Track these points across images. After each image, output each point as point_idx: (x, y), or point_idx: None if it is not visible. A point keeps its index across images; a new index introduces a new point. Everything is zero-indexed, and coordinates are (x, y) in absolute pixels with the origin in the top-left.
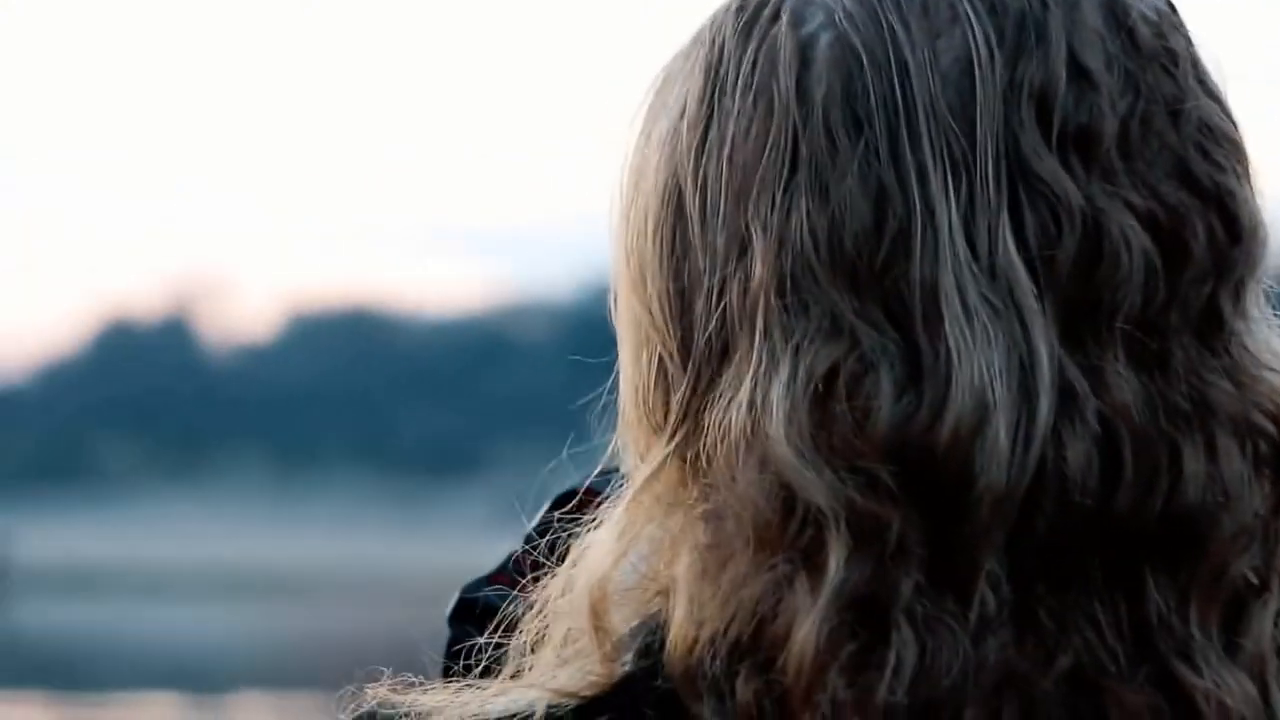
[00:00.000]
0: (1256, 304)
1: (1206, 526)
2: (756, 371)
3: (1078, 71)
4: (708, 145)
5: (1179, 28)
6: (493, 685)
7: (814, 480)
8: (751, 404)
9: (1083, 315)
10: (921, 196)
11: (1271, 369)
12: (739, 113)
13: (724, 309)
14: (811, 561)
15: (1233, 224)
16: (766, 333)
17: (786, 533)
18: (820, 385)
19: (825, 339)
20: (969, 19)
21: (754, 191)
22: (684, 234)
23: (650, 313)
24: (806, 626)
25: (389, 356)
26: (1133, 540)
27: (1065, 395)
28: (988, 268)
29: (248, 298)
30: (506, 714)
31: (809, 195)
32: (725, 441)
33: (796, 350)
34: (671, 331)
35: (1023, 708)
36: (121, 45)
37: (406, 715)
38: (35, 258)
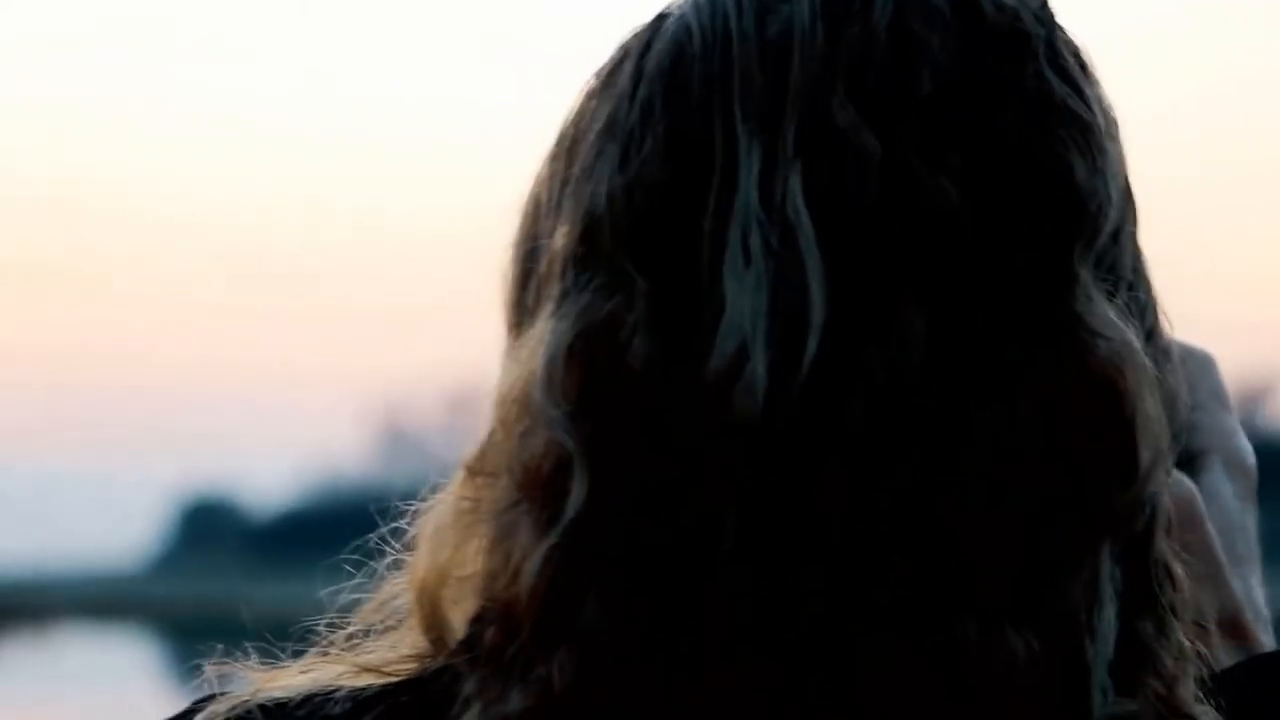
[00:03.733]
0: (1094, 276)
1: (994, 487)
2: (539, 332)
3: (901, 40)
4: (559, 148)
5: (1039, 15)
6: (300, 662)
7: (560, 419)
8: (525, 362)
9: (879, 268)
10: (724, 154)
11: (1104, 337)
12: (590, 112)
13: (536, 289)
14: (554, 501)
15: (1065, 196)
16: (558, 297)
17: (537, 476)
18: (587, 334)
19: (604, 293)
20: None
21: (576, 174)
22: (529, 238)
23: (506, 328)
24: (533, 560)
25: None
26: (919, 490)
27: (847, 341)
28: (778, 218)
29: None
30: (307, 692)
31: (614, 160)
32: (504, 402)
33: (575, 306)
34: (510, 330)
35: (763, 647)
36: None
37: (225, 693)
38: None
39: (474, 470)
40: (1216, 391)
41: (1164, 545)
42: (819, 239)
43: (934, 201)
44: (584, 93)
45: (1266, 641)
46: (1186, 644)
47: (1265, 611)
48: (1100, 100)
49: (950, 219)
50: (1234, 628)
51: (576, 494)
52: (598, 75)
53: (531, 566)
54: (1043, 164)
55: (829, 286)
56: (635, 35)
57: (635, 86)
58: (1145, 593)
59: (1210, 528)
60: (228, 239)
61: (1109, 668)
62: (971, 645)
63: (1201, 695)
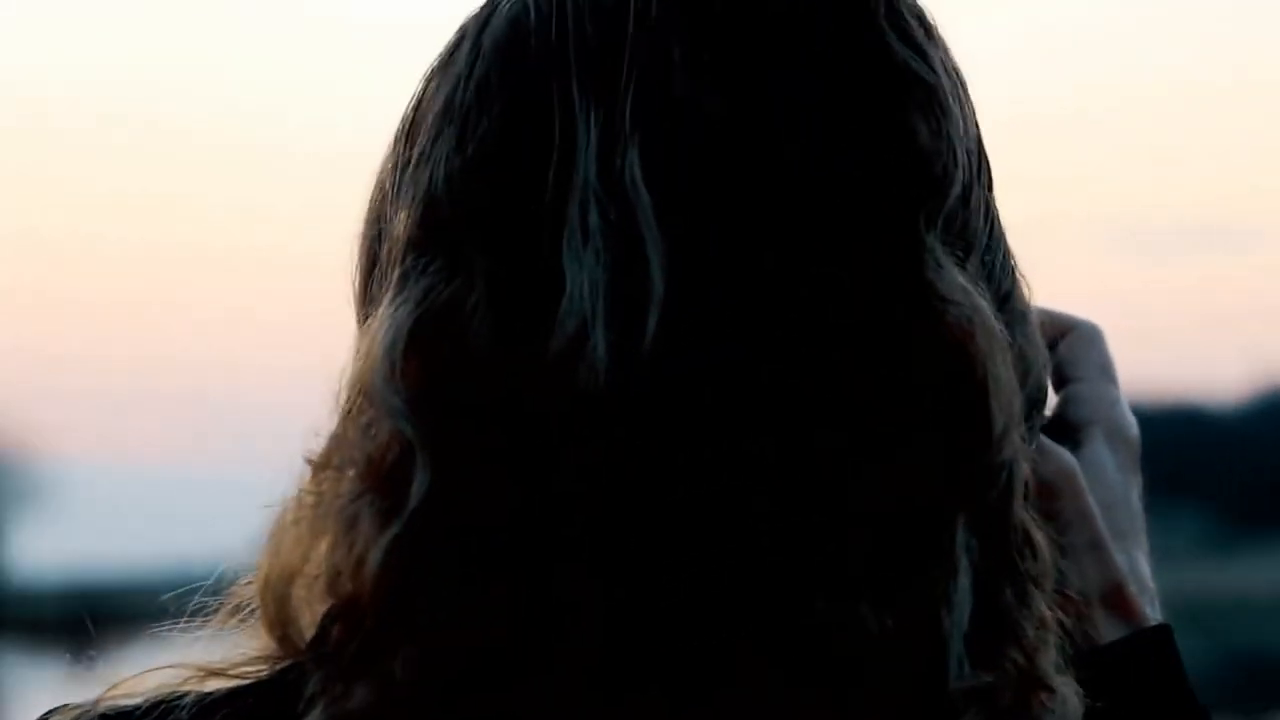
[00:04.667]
0: (942, 240)
1: (846, 459)
2: (380, 319)
3: (738, 4)
4: (399, 133)
5: None
6: (145, 667)
7: (400, 408)
8: (366, 351)
9: (721, 240)
10: (562, 129)
11: (954, 302)
12: (430, 95)
13: (380, 278)
14: (397, 492)
15: (908, 160)
16: (397, 282)
17: (380, 467)
18: (427, 319)
19: (444, 276)
20: None
21: (414, 158)
22: (373, 226)
23: (355, 320)
24: (375, 553)
25: None
26: (769, 466)
27: (690, 315)
28: (616, 193)
29: None
30: (152, 699)
31: (451, 142)
32: (347, 393)
33: (415, 290)
34: (359, 321)
35: (607, 640)
36: None
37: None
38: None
39: (319, 465)
40: (1102, 363)
41: (1023, 513)
42: (657, 212)
43: (775, 171)
44: (424, 76)
45: (1151, 615)
46: (1048, 614)
47: (1151, 585)
48: (944, 61)
49: (792, 188)
50: (1117, 601)
51: (419, 484)
52: (439, 58)
53: (373, 559)
54: (884, 127)
55: (668, 261)
56: (474, 15)
57: (472, 66)
58: (1004, 561)
59: (1090, 499)
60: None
61: (967, 639)
62: (823, 624)
63: (1063, 665)
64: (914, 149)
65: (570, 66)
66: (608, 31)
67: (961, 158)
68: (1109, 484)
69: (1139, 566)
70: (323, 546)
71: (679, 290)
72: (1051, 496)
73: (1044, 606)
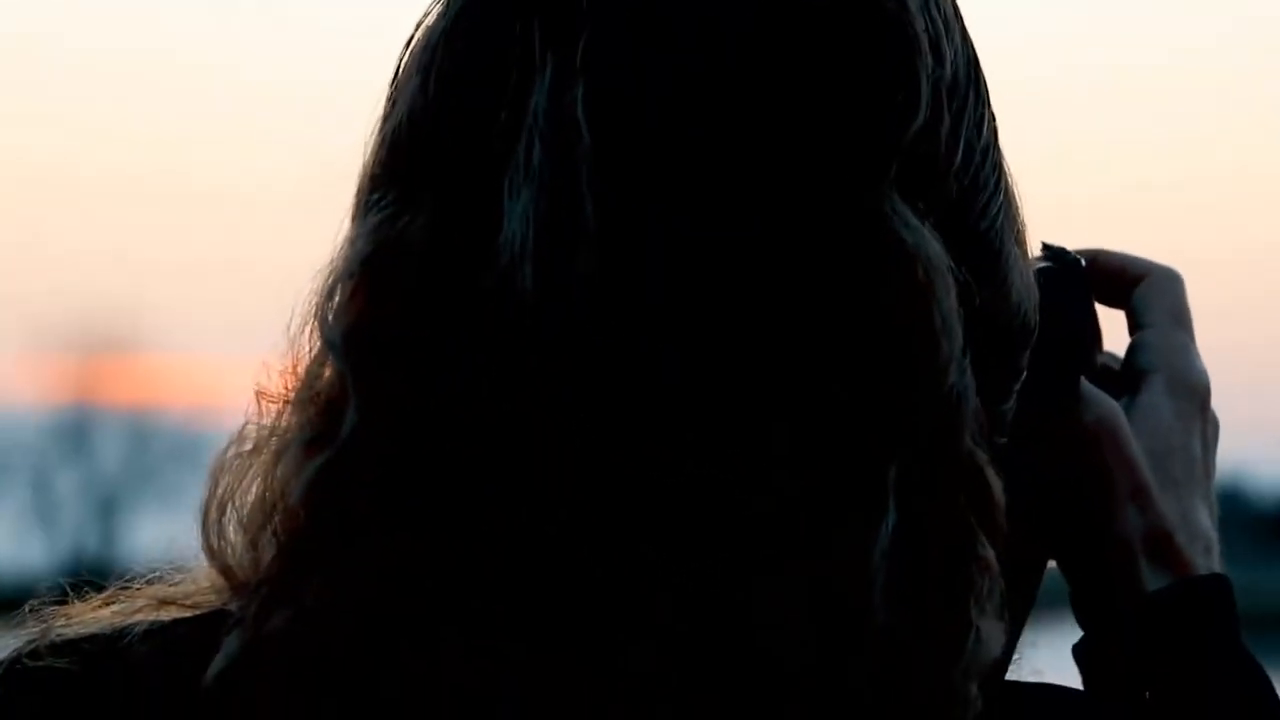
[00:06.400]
0: (898, 172)
1: (782, 392)
2: (334, 255)
3: None
4: (390, 80)
5: None
6: (101, 597)
7: (338, 344)
8: (318, 287)
9: (661, 171)
10: (520, 71)
11: (895, 233)
12: (416, 41)
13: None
14: (332, 427)
15: (860, 91)
16: (355, 219)
17: (320, 401)
18: (373, 257)
19: (393, 211)
20: None
21: (391, 98)
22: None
23: None
24: (299, 485)
25: None
26: (703, 403)
27: (621, 253)
28: (559, 130)
29: None
30: (105, 628)
31: (416, 78)
32: (299, 328)
33: (366, 227)
34: None
35: (512, 589)
36: None
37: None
38: None
39: (268, 398)
40: (1174, 310)
41: (972, 448)
42: (596, 150)
43: (717, 109)
44: (417, 23)
45: (1203, 564)
46: (991, 554)
47: (1211, 535)
48: (926, 3)
49: (733, 121)
50: (1163, 550)
51: (348, 420)
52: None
53: (297, 490)
54: (837, 58)
55: (603, 199)
56: None
57: (448, 6)
58: (945, 498)
59: (1135, 447)
60: None
61: (898, 574)
62: (738, 567)
63: (993, 608)
64: (870, 81)
65: (535, 7)
66: None
67: (926, 92)
68: (1163, 432)
69: (1195, 515)
70: (261, 478)
71: (612, 230)
72: (1091, 443)
73: (987, 546)
